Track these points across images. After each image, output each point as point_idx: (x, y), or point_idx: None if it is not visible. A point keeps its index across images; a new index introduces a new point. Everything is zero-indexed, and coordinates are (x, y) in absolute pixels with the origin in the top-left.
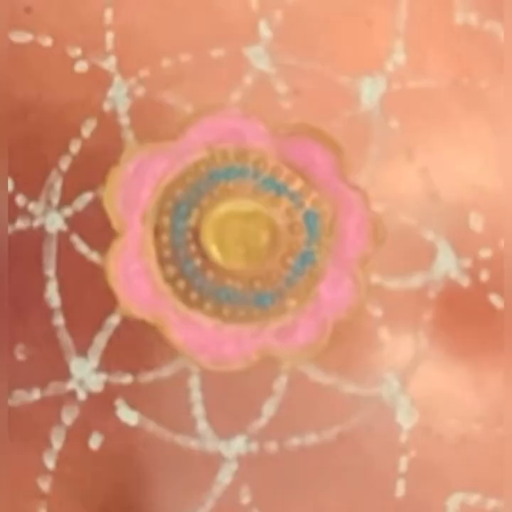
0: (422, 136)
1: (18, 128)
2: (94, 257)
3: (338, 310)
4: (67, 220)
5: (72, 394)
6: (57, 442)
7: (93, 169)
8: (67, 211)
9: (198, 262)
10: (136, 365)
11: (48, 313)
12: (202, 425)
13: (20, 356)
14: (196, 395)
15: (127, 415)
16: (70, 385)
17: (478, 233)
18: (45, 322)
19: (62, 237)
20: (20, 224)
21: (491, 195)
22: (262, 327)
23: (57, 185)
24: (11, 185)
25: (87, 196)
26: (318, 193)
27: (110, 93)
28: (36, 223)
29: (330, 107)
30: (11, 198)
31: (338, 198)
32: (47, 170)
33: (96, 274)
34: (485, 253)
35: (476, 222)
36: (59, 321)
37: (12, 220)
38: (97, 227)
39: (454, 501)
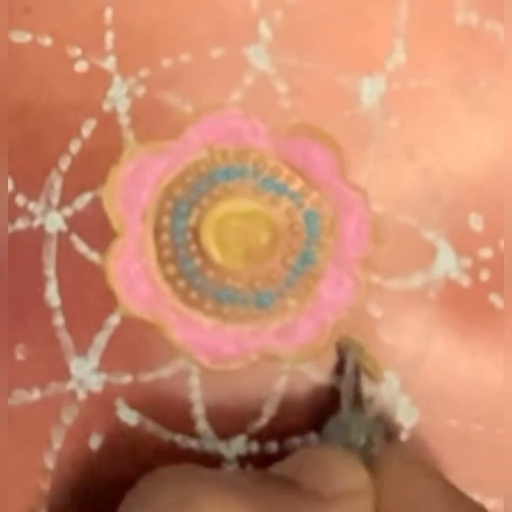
0: (422, 136)
1: (18, 128)
2: (94, 256)
3: (338, 310)
4: (67, 220)
5: (72, 394)
6: (57, 442)
7: (93, 169)
8: (67, 211)
9: (198, 261)
10: (136, 365)
11: (48, 313)
12: (202, 425)
13: (20, 356)
14: (196, 395)
15: (127, 415)
16: (70, 385)
17: (478, 233)
18: (45, 322)
19: (62, 237)
20: (20, 224)
21: (491, 195)
22: (262, 327)
23: (57, 185)
24: (11, 185)
25: (87, 196)
26: (318, 193)
27: (110, 93)
28: (36, 223)
29: (330, 107)
30: (11, 198)
31: (338, 198)
32: (47, 170)
33: (96, 274)
34: (485, 253)
35: (476, 222)
36: (59, 321)
37: (12, 220)
38: (97, 227)
39: None
